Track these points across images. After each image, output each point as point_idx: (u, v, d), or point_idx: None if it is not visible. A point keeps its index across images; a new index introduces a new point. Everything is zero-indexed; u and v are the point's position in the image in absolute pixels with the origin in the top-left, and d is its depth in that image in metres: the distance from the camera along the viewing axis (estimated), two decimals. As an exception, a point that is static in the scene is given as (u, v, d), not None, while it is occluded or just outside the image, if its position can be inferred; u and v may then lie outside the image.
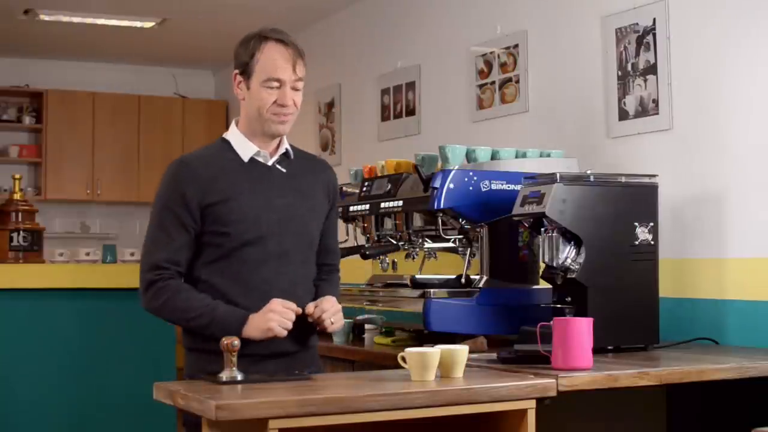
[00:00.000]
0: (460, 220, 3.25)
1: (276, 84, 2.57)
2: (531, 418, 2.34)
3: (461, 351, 2.43)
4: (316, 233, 2.71)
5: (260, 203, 2.58)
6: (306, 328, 2.60)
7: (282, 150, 2.67)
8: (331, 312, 2.57)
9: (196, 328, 2.54)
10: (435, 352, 2.37)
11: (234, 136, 2.66)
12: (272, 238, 2.59)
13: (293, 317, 2.50)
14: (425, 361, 2.34)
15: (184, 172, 2.58)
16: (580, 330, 2.54)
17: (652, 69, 3.71)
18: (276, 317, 2.48)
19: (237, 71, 2.62)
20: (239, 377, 2.30)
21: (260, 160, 2.64)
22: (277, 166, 2.66)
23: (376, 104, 5.69)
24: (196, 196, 2.55)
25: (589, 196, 2.97)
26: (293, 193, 2.65)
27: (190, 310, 2.52)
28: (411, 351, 2.37)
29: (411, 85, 5.39)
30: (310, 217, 2.68)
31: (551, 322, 2.58)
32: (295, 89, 2.59)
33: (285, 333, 2.49)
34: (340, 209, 3.61)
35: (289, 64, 2.57)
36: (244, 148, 2.64)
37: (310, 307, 2.56)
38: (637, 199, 3.06)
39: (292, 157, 2.70)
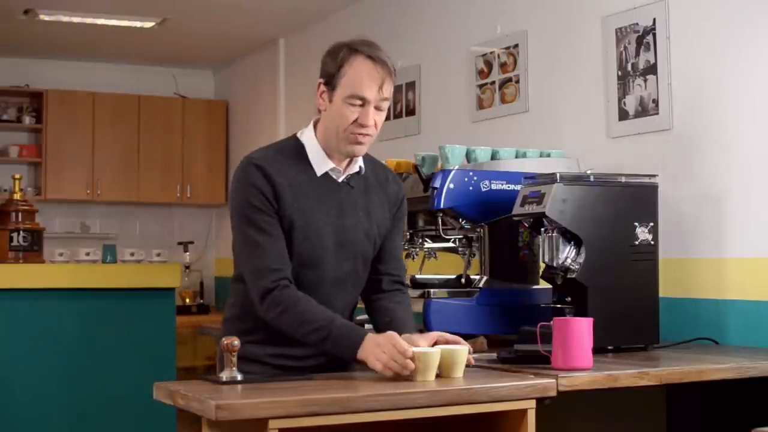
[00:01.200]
0: (460, 220, 3.25)
1: (359, 102, 2.43)
2: (531, 418, 2.34)
3: (461, 351, 2.42)
4: (372, 252, 2.62)
5: (324, 222, 2.49)
6: None
7: (355, 168, 2.57)
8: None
9: (311, 342, 2.43)
10: (436, 352, 2.36)
11: (311, 144, 2.54)
12: (330, 262, 2.52)
13: (402, 365, 2.33)
14: (427, 361, 2.33)
15: (256, 173, 2.46)
16: (580, 330, 2.54)
17: (652, 69, 3.71)
18: (384, 360, 2.33)
19: (322, 80, 2.48)
20: (239, 377, 2.30)
21: (333, 175, 2.54)
22: (347, 183, 2.56)
23: (376, 104, 5.69)
24: (272, 196, 2.45)
25: (589, 196, 2.97)
26: (355, 214, 2.56)
27: (308, 323, 2.40)
28: (414, 351, 2.35)
29: (411, 85, 5.39)
30: (368, 236, 2.58)
31: (551, 322, 2.58)
32: (378, 109, 2.46)
33: (389, 374, 2.35)
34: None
35: (376, 83, 2.43)
36: (320, 161, 2.52)
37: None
38: (637, 199, 3.06)
39: (362, 172, 2.59)
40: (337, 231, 2.53)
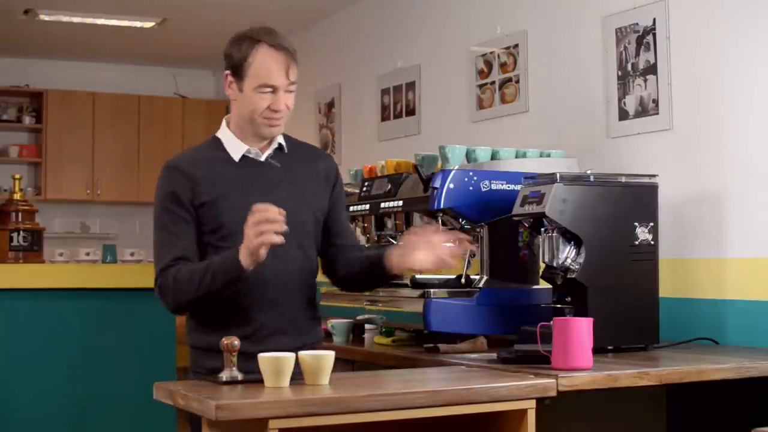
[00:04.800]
0: (460, 220, 3.25)
1: (269, 90, 2.55)
2: (531, 418, 2.34)
3: (327, 357, 2.27)
4: (313, 225, 2.68)
5: (252, 201, 2.51)
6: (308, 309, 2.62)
7: (275, 145, 2.66)
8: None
9: (209, 292, 2.48)
10: (290, 356, 2.23)
11: (225, 135, 2.67)
12: None
13: (271, 215, 2.37)
14: (278, 365, 2.22)
15: (174, 173, 2.59)
16: (580, 330, 2.54)
17: (652, 69, 3.71)
18: (254, 231, 2.37)
19: (228, 72, 2.60)
20: (239, 377, 2.30)
21: (252, 156, 2.64)
22: (271, 161, 2.65)
23: (376, 104, 5.69)
24: (188, 195, 2.56)
25: (589, 196, 2.97)
26: (287, 187, 2.63)
27: (193, 280, 2.48)
28: (264, 355, 2.24)
29: (411, 85, 5.39)
30: (306, 208, 2.65)
31: (551, 322, 2.58)
32: (288, 92, 2.58)
33: (278, 238, 2.38)
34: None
35: (282, 70, 2.55)
36: (235, 147, 2.63)
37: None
38: (637, 199, 3.06)
39: (286, 150, 2.69)
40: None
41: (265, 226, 2.36)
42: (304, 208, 2.65)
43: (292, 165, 2.68)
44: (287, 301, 2.60)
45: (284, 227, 2.38)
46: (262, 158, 2.64)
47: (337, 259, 2.77)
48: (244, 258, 2.41)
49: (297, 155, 2.71)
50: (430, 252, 2.57)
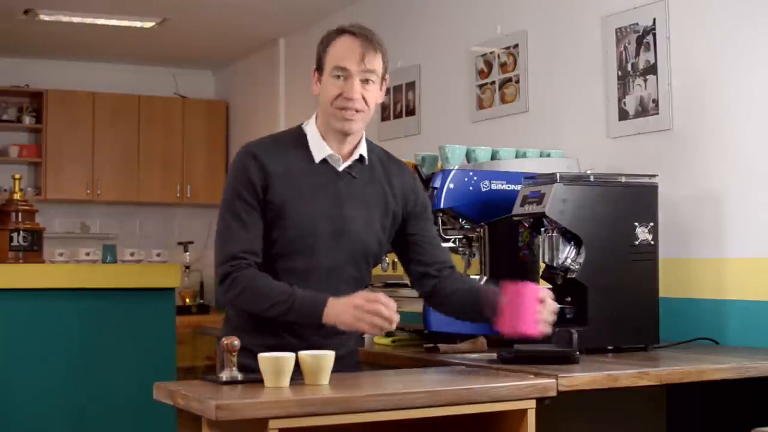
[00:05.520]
0: (460, 220, 3.25)
1: (343, 74, 2.46)
2: (531, 418, 2.34)
3: (327, 357, 2.26)
4: (375, 246, 2.59)
5: (319, 211, 2.47)
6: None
7: (356, 156, 2.56)
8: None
9: (275, 316, 2.43)
10: (290, 356, 2.22)
11: (311, 130, 2.56)
12: (324, 251, 2.50)
13: (386, 311, 2.32)
14: (278, 365, 2.22)
15: (252, 162, 2.48)
16: (530, 296, 2.45)
17: (652, 69, 3.71)
18: (362, 313, 2.33)
19: (314, 67, 2.55)
20: (239, 377, 2.30)
21: (331, 163, 2.54)
22: (349, 173, 2.55)
23: (376, 104, 5.69)
24: (263, 186, 2.47)
25: (589, 196, 2.97)
26: (357, 205, 2.54)
27: (268, 298, 2.41)
28: (264, 355, 2.23)
29: (411, 85, 5.39)
30: (370, 228, 2.56)
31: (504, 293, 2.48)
32: (365, 82, 2.47)
33: (380, 332, 2.36)
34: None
35: (356, 54, 2.45)
36: (319, 147, 2.53)
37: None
38: (637, 199, 3.06)
39: (366, 162, 2.58)
40: (333, 220, 2.51)
41: (376, 320, 2.31)
42: (369, 229, 2.56)
43: (370, 180, 2.58)
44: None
45: (393, 327, 2.32)
46: (340, 167, 2.54)
47: (436, 290, 2.66)
48: (330, 318, 2.36)
49: (376, 168, 2.61)
50: (538, 317, 2.44)
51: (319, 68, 2.52)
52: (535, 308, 2.43)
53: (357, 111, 2.48)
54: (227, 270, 2.45)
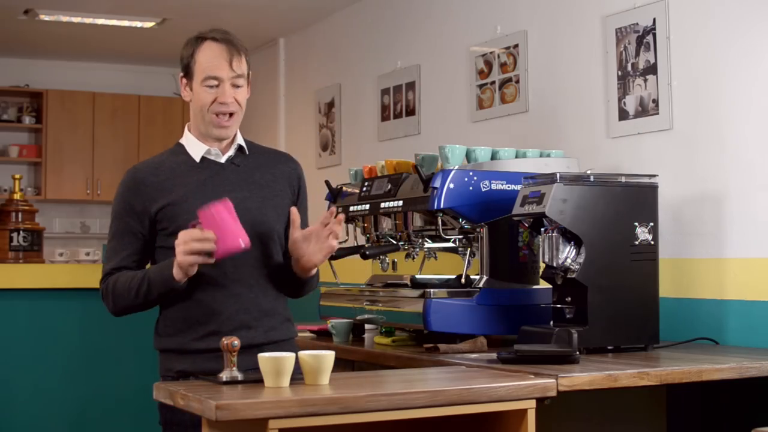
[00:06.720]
0: (460, 220, 3.25)
1: (214, 82, 2.56)
2: (531, 418, 2.34)
3: (327, 356, 2.26)
4: (276, 223, 2.64)
5: (210, 200, 2.49)
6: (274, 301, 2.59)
7: (235, 146, 2.66)
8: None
9: (147, 301, 2.53)
10: (290, 356, 2.23)
11: (187, 139, 2.67)
12: None
13: (198, 233, 2.39)
14: (278, 365, 2.22)
15: (132, 181, 2.60)
16: (221, 212, 2.42)
17: (652, 69, 3.71)
18: (183, 249, 2.39)
19: (182, 74, 2.63)
20: (239, 377, 2.30)
21: (212, 158, 2.63)
22: (232, 163, 2.64)
23: (376, 104, 5.70)
24: (144, 204, 2.56)
25: (589, 196, 2.98)
26: (248, 187, 2.62)
27: (129, 289, 2.52)
28: (264, 355, 2.24)
29: (411, 85, 5.39)
30: (267, 206, 2.62)
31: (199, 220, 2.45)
32: (235, 86, 2.58)
33: (208, 258, 2.40)
34: (341, 209, 3.60)
35: (225, 60, 2.56)
36: (196, 148, 2.63)
37: (294, 212, 2.55)
38: (637, 199, 3.06)
39: (247, 152, 2.68)
40: None
41: (195, 245, 2.38)
42: (268, 205, 2.63)
43: (254, 166, 2.67)
44: (250, 296, 2.57)
45: (213, 246, 2.39)
46: (222, 160, 2.63)
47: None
48: (176, 272, 2.44)
49: (259, 157, 2.70)
50: (317, 244, 2.54)
51: (187, 75, 2.61)
52: (234, 223, 2.45)
53: (231, 115, 2.59)
54: (101, 287, 2.62)
